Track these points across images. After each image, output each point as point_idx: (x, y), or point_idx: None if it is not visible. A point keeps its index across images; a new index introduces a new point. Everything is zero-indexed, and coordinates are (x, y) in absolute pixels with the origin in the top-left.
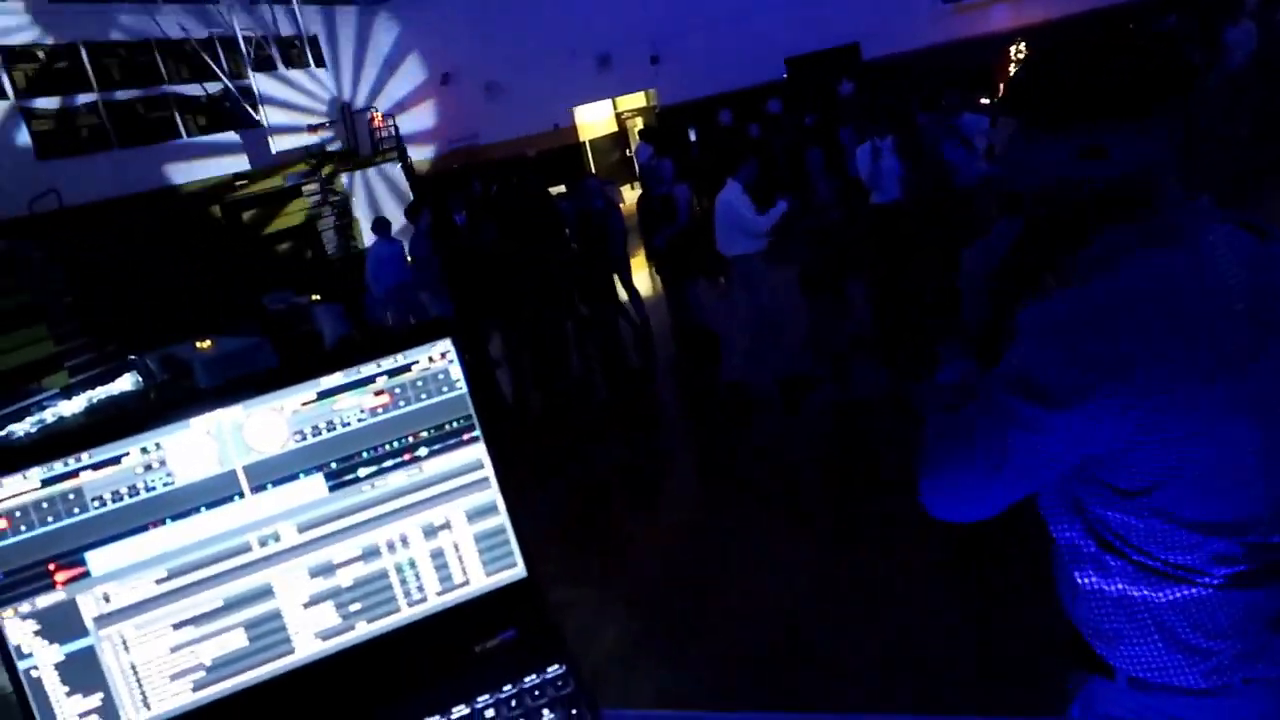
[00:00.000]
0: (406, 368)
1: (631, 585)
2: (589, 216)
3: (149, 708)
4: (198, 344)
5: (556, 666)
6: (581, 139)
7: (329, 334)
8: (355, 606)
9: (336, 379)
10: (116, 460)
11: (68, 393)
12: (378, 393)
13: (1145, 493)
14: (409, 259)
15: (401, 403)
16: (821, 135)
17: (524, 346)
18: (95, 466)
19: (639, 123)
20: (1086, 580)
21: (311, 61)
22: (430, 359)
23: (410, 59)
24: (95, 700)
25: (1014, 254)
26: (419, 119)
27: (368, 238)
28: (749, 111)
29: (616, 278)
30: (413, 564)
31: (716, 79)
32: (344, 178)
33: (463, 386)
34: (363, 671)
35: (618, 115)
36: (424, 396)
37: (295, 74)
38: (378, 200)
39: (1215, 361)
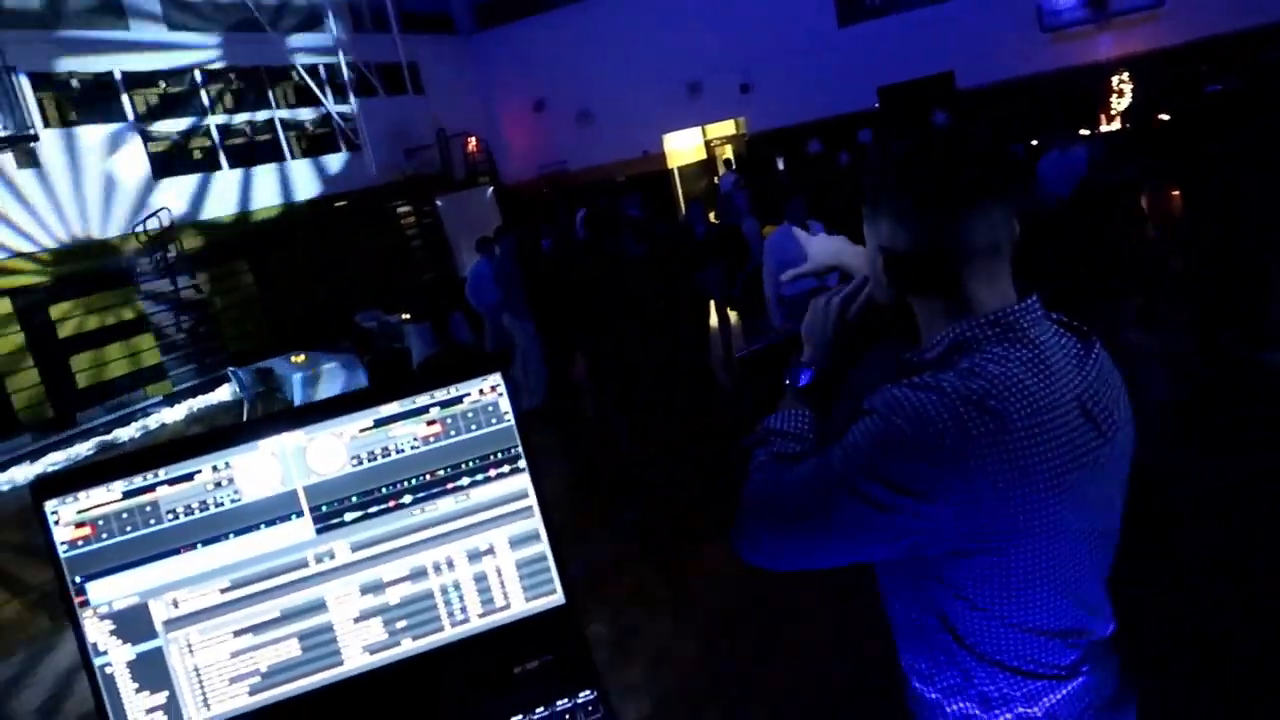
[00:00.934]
0: (458, 399)
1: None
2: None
3: (209, 708)
4: (293, 358)
5: (588, 692)
6: (670, 166)
7: (417, 352)
8: (402, 624)
9: (392, 408)
10: (190, 477)
11: (170, 400)
12: (430, 422)
13: (978, 590)
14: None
15: (452, 432)
16: None
17: (610, 370)
18: (171, 482)
19: (727, 150)
20: (925, 663)
21: (411, 88)
22: (481, 392)
23: (506, 86)
24: (161, 698)
25: (869, 316)
26: (512, 144)
27: (459, 258)
28: (840, 141)
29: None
30: (457, 586)
31: (807, 107)
32: (438, 201)
33: (510, 419)
34: (406, 686)
35: (707, 143)
36: (474, 428)
37: (395, 99)
38: (470, 222)
39: (1056, 464)
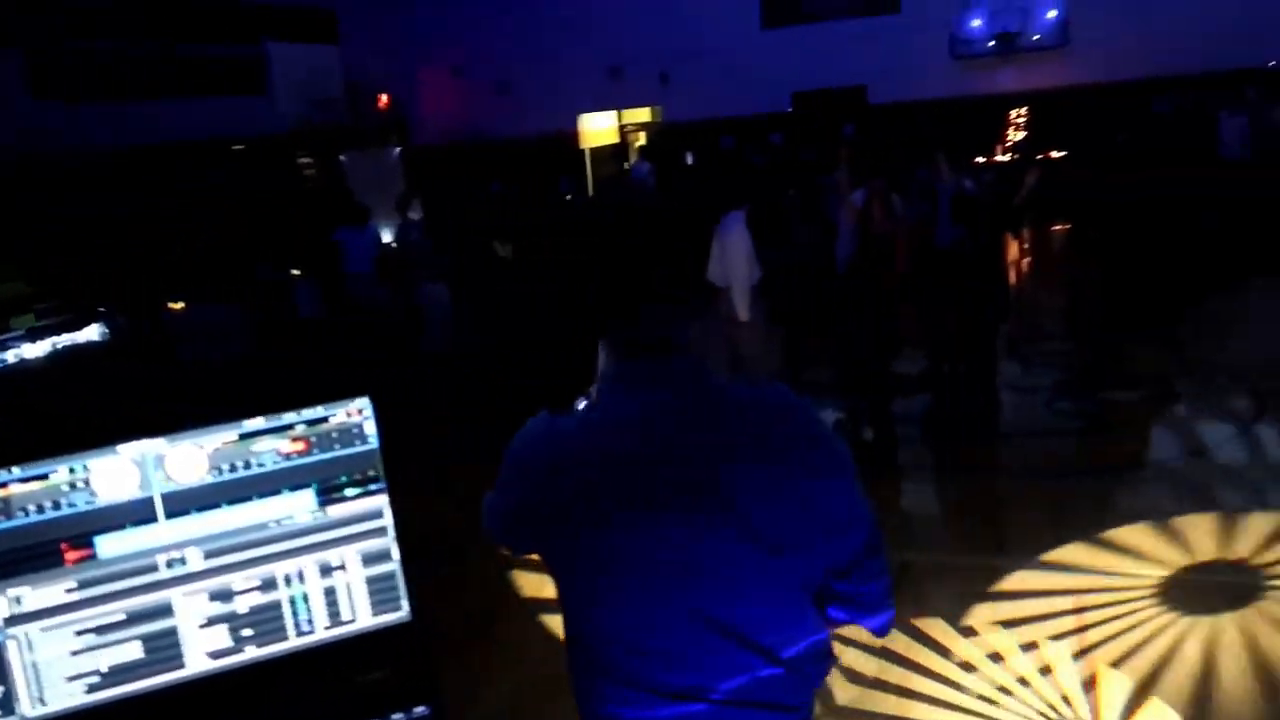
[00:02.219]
0: (325, 419)
1: None
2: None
3: (44, 703)
4: (170, 304)
5: (424, 708)
6: (583, 146)
7: (304, 309)
8: (247, 631)
9: (258, 423)
10: (44, 476)
11: (33, 336)
12: (295, 439)
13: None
14: (393, 245)
15: (316, 451)
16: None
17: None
18: (24, 480)
19: (641, 137)
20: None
21: (326, 37)
22: (348, 413)
23: (426, 47)
24: None
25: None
26: (426, 107)
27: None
28: (752, 140)
29: None
30: (305, 598)
31: (722, 103)
32: (342, 156)
33: (374, 442)
34: (245, 692)
35: (621, 127)
36: (337, 447)
37: (307, 47)
38: (372, 183)
39: (619, 510)
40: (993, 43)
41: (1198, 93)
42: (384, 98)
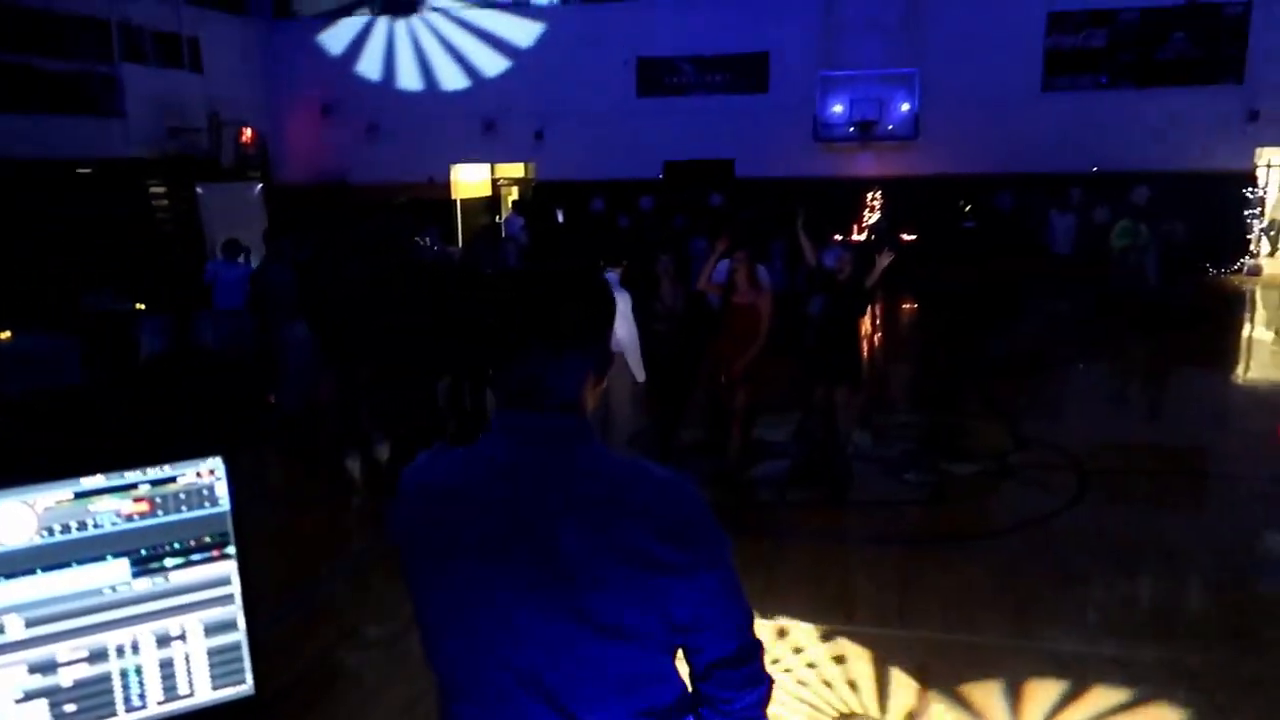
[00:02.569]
0: (172, 479)
1: None
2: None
3: None
4: None
5: None
6: (454, 196)
7: (146, 346)
8: (70, 708)
9: (97, 481)
10: None
11: None
12: (138, 499)
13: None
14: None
15: (160, 512)
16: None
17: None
18: None
19: (514, 192)
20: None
21: (188, 64)
22: (198, 474)
23: (297, 83)
24: None
25: None
26: (292, 145)
27: (217, 253)
28: (622, 203)
29: None
30: (139, 670)
31: (596, 166)
32: (199, 188)
33: (225, 504)
34: None
35: (494, 181)
36: (184, 509)
37: (167, 72)
38: (230, 218)
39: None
40: (852, 129)
41: (1032, 191)
42: (248, 131)
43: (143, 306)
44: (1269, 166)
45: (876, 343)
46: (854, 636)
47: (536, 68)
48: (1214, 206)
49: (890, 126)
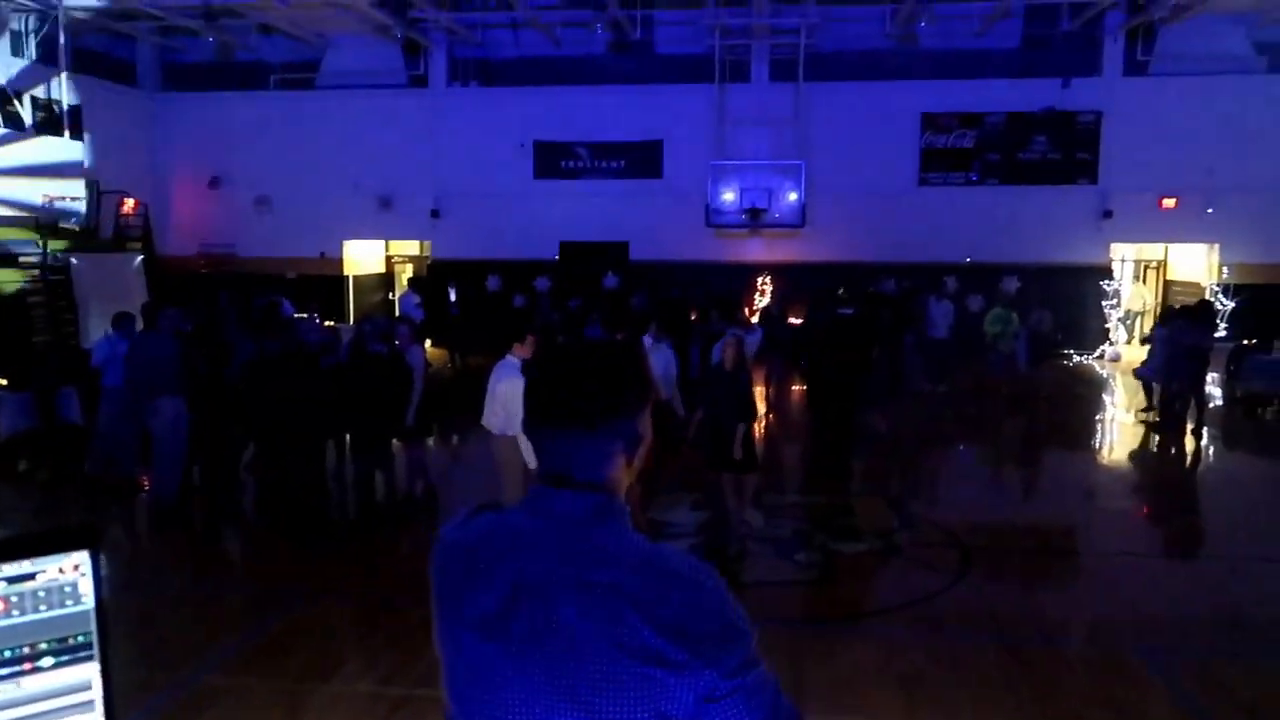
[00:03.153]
0: (31, 576)
1: None
2: (364, 360)
3: None
4: None
5: None
6: (347, 273)
7: (6, 425)
8: None
9: None
10: None
11: None
12: None
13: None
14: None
15: (15, 612)
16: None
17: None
18: None
19: (409, 269)
20: None
21: (68, 131)
22: (60, 570)
23: (184, 154)
24: None
25: None
26: (178, 216)
27: (85, 326)
28: (518, 283)
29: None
30: None
31: (492, 245)
32: (73, 259)
33: (89, 602)
34: None
35: (388, 257)
36: (43, 609)
37: (45, 139)
38: (107, 290)
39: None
40: (743, 215)
41: (912, 279)
42: (130, 201)
43: (4, 383)
44: (1122, 261)
45: (769, 423)
46: None
47: (433, 147)
48: (1075, 297)
49: (778, 215)
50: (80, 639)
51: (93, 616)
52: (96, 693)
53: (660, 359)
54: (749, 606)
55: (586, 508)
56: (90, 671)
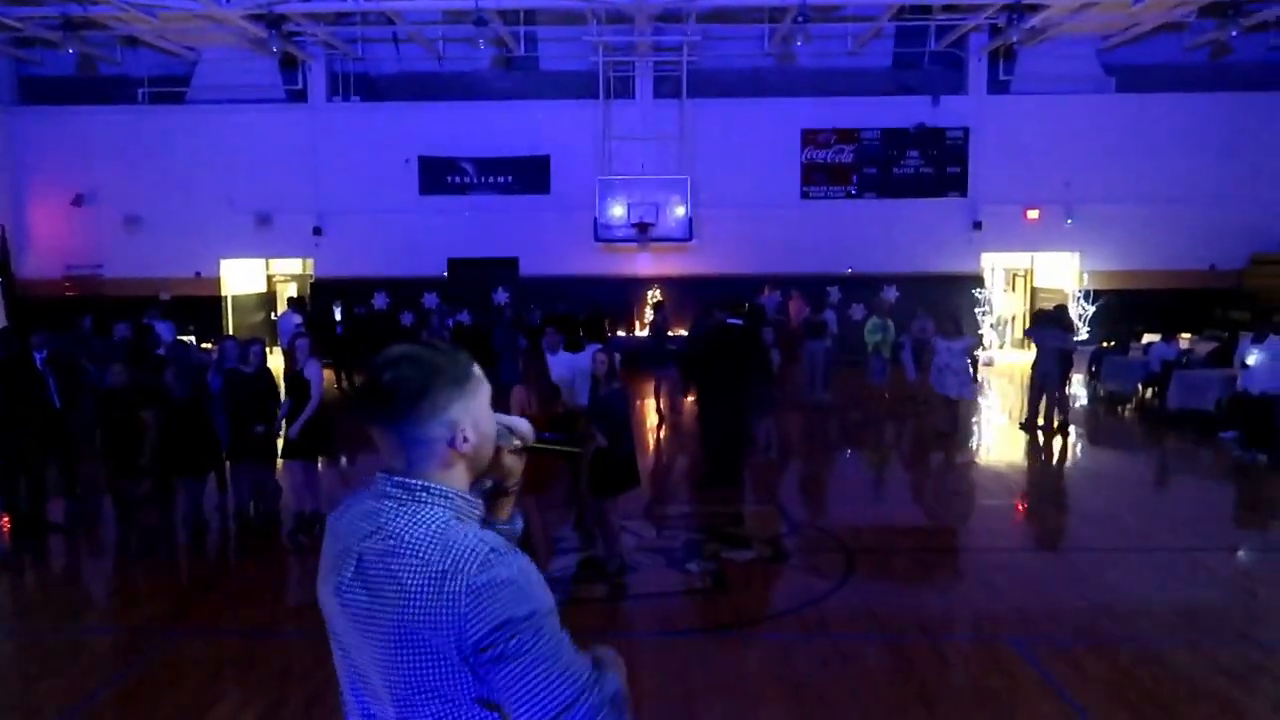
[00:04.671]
0: None
1: None
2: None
3: None
4: None
5: None
6: (224, 293)
7: None
8: None
9: None
10: None
11: None
12: None
13: None
14: None
15: None
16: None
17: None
18: None
19: (291, 288)
20: None
21: None
22: None
23: (42, 172)
24: None
25: None
26: (38, 237)
27: None
28: (405, 300)
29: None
30: None
31: (378, 262)
32: None
33: None
34: None
35: (269, 276)
36: None
37: None
38: None
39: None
40: (631, 230)
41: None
42: None
43: None
44: (993, 270)
45: (661, 435)
46: None
47: (314, 163)
48: (951, 305)
49: (666, 229)
50: None
51: None
52: None
53: (563, 363)
54: (644, 619)
55: (395, 491)
56: None
